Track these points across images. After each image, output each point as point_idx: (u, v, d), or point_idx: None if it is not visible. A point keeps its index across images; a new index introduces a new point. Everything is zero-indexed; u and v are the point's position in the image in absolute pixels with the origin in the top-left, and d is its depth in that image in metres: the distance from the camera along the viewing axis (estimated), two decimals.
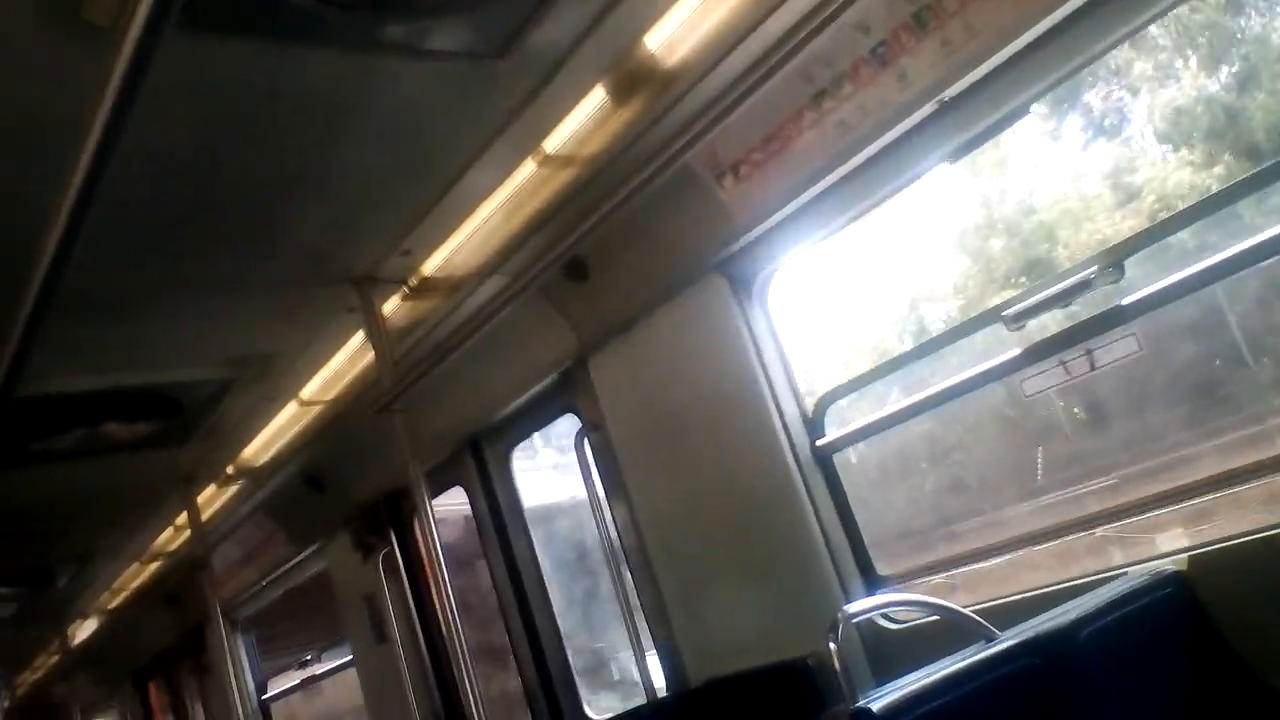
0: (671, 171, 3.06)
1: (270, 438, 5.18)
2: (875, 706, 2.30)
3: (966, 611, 2.62)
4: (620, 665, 5.19)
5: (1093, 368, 2.88)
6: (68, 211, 2.15)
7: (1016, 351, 3.04)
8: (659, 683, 4.29)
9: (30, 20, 2.15)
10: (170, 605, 8.18)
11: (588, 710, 4.92)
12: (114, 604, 8.13)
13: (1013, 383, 3.14)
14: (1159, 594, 2.65)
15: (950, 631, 2.81)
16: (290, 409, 4.86)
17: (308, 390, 4.69)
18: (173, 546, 6.79)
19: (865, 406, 3.70)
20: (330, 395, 4.77)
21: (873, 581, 3.51)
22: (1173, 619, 2.65)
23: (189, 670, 8.82)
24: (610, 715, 4.68)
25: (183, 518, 5.93)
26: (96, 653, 9.54)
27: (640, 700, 4.35)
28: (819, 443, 3.59)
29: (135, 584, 7.64)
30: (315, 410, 4.91)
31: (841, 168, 3.21)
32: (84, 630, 8.76)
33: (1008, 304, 3.05)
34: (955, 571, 3.39)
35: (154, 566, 7.19)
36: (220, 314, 3.94)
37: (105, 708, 11.04)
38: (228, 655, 5.55)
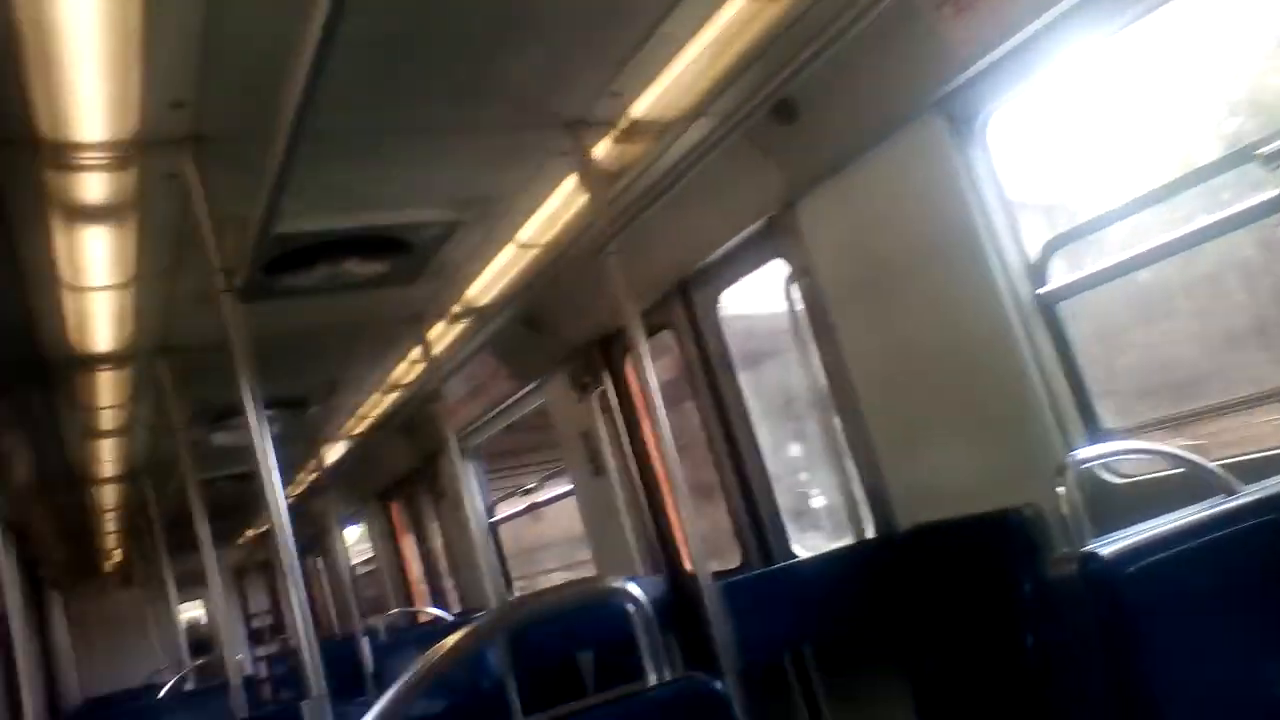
0: (887, 5, 2.88)
1: (491, 279, 5.43)
2: (1105, 551, 2.25)
3: (1206, 462, 2.49)
4: (829, 507, 5.27)
5: None
6: (311, 53, 2.26)
7: (1276, 193, 2.75)
8: (867, 528, 4.34)
9: None
10: (408, 434, 8.95)
11: (794, 547, 5.06)
12: (359, 430, 8.97)
13: (1265, 229, 2.85)
14: None
15: (1181, 487, 2.68)
16: (509, 251, 5.07)
17: (525, 233, 4.86)
18: (408, 379, 7.36)
19: (1096, 254, 3.46)
20: (546, 239, 4.92)
21: (1096, 434, 3.36)
22: None
23: (425, 493, 9.69)
24: (816, 553, 4.80)
25: (416, 352, 6.40)
26: (346, 473, 10.62)
27: (847, 541, 4.43)
28: (1042, 290, 3.41)
29: (377, 412, 8.38)
30: (532, 253, 5.09)
31: None
32: (334, 452, 9.73)
33: (1263, 141, 2.74)
34: (1188, 428, 3.18)
35: (393, 397, 7.84)
36: (445, 158, 4.09)
37: (356, 520, 12.35)
38: (460, 480, 6.02)
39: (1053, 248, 3.40)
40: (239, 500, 9.67)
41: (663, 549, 6.08)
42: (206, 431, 6.85)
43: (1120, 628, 2.29)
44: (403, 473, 9.95)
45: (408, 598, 10.85)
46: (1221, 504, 2.48)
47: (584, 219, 4.52)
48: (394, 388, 7.57)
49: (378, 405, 8.13)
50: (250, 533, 14.33)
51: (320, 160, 3.40)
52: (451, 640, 1.48)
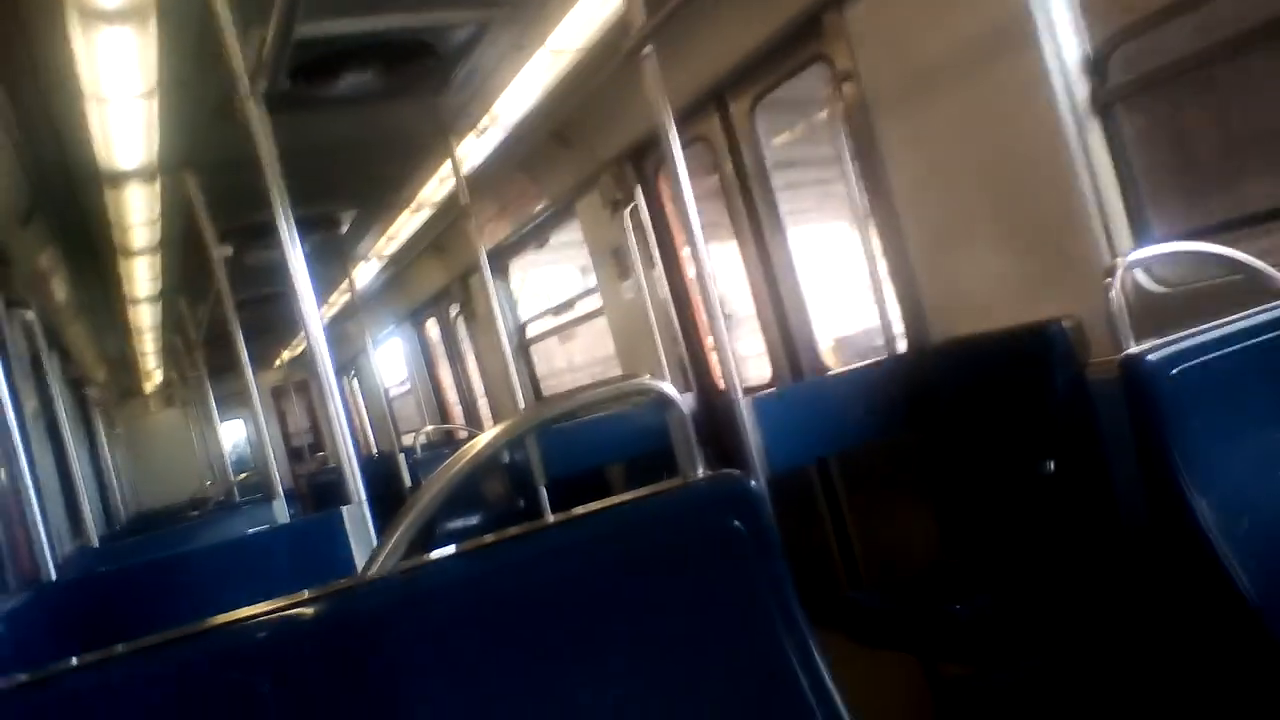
0: None
1: (522, 89, 5.25)
2: (1148, 355, 2.21)
3: (1263, 266, 2.41)
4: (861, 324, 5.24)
5: None
6: None
7: None
8: (900, 343, 4.32)
9: None
10: (439, 253, 8.95)
11: (825, 361, 5.07)
12: (390, 250, 8.95)
13: None
14: None
15: (1238, 294, 2.61)
16: (540, 58, 4.87)
17: (557, 38, 4.66)
18: (438, 198, 7.27)
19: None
20: (579, 43, 4.72)
21: (1148, 242, 3.26)
22: None
23: (458, 313, 9.76)
24: (849, 367, 4.81)
25: (446, 168, 6.28)
26: (379, 294, 10.69)
27: (880, 357, 4.42)
28: (1100, 90, 3.24)
29: (407, 231, 8.33)
30: (565, 59, 4.89)
31: None
32: (366, 273, 9.76)
33: None
34: (1248, 231, 3.06)
35: (422, 215, 7.77)
36: None
37: (391, 340, 12.52)
38: (493, 299, 6.01)
39: (1114, 43, 3.21)
40: (275, 320, 9.80)
41: (693, 368, 6.12)
42: (240, 249, 6.85)
43: (1159, 432, 2.27)
44: (436, 292, 9.99)
45: (443, 418, 11.11)
46: (1275, 308, 2.42)
47: (617, 19, 4.31)
48: (424, 205, 7.49)
49: (408, 224, 8.08)
50: (286, 354, 14.61)
51: None
52: (483, 439, 1.46)
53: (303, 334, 3.04)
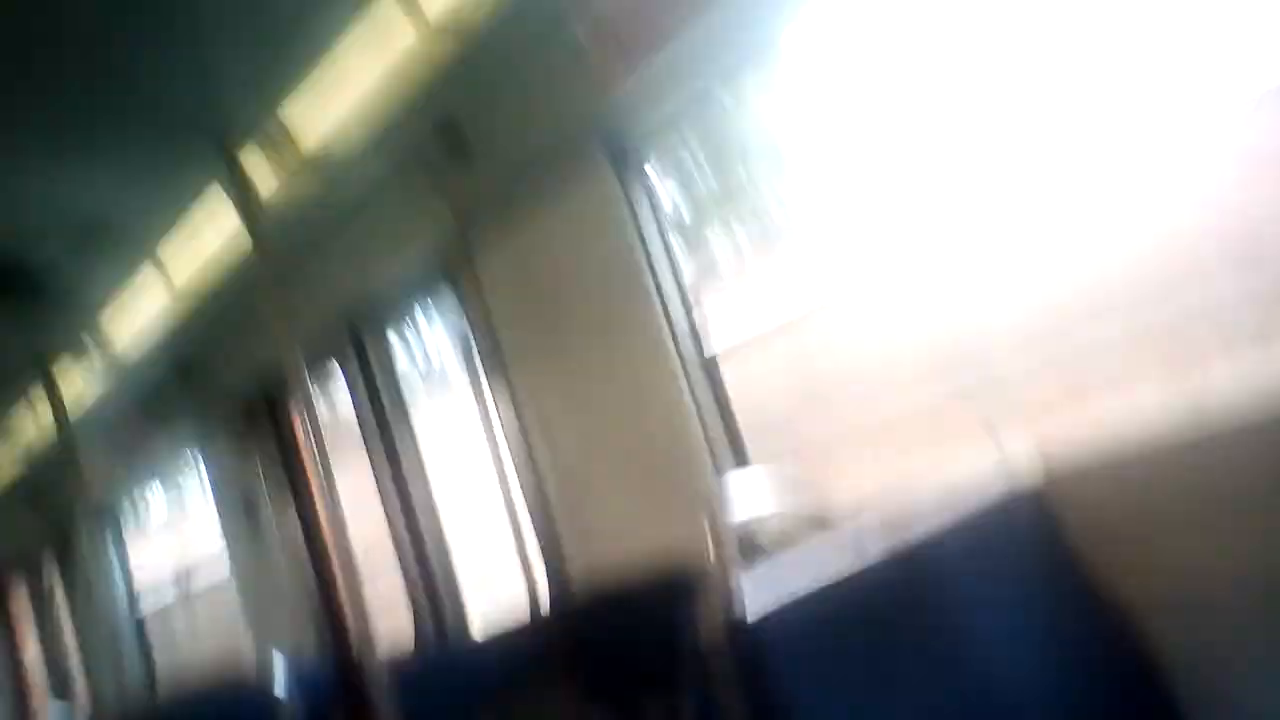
0: (554, 42, 2.86)
1: (133, 313, 4.84)
2: (751, 617, 2.27)
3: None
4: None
5: None
6: None
7: None
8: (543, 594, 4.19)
9: None
10: (30, 500, 7.73)
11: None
12: None
13: None
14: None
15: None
16: (153, 281, 4.54)
17: (172, 262, 4.39)
18: (30, 434, 6.41)
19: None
20: (197, 269, 4.46)
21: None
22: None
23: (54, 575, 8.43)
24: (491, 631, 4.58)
25: (40, 399, 5.57)
26: None
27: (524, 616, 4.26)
28: (705, 349, 3.48)
29: None
30: (181, 286, 4.60)
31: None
32: None
33: None
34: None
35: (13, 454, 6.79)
36: (77, 167, 3.62)
37: None
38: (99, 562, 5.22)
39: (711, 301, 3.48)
40: None
41: (330, 626, 5.60)
42: None
43: (764, 693, 2.29)
44: (23, 549, 8.58)
45: (22, 697, 9.33)
46: (851, 560, 2.56)
47: (241, 249, 4.13)
48: (13, 443, 6.55)
49: None
50: None
51: None
52: None
53: None
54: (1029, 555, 2.62)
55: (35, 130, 3.34)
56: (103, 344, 5.08)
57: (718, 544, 2.56)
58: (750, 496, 3.18)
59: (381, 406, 4.90)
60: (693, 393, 3.42)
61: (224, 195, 3.80)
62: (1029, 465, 2.65)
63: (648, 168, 3.48)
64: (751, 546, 3.26)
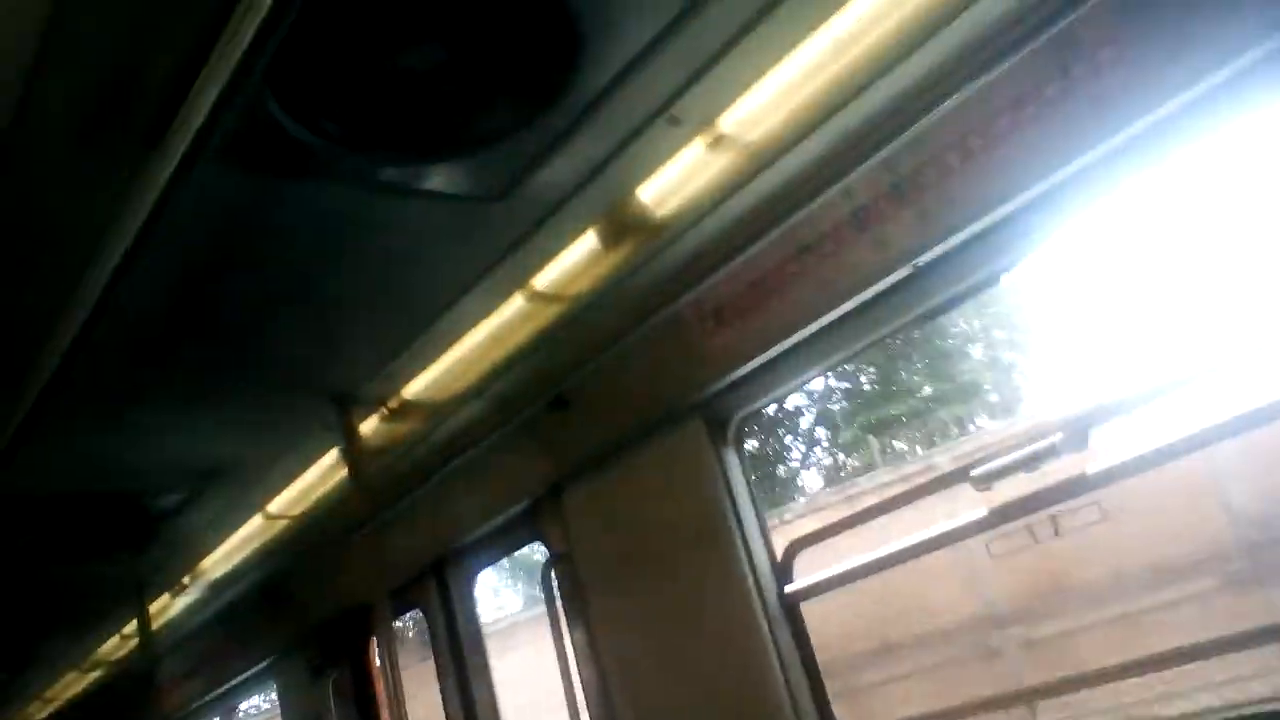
0: (657, 316, 3.15)
1: (231, 549, 5.08)
2: None
3: None
4: None
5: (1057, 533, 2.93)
6: (82, 316, 2.20)
7: (984, 511, 3.11)
8: None
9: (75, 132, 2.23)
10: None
11: None
12: (43, 715, 7.75)
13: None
14: None
15: None
16: (255, 521, 4.80)
17: (275, 504, 4.65)
18: (117, 655, 6.55)
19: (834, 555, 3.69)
20: (297, 510, 4.71)
21: None
22: None
23: None
24: None
25: (131, 626, 5.75)
26: None
27: None
28: (787, 590, 3.58)
29: (70, 694, 7.31)
30: (281, 523, 4.84)
31: (819, 320, 3.30)
32: None
33: (976, 463, 3.12)
34: None
35: (94, 675, 6.91)
36: (202, 422, 3.94)
37: None
38: None
39: (796, 548, 3.62)
40: None
41: None
42: None
43: None
44: None
45: None
46: None
47: (341, 493, 4.39)
48: (98, 665, 6.68)
49: (74, 685, 7.11)
50: None
51: (66, 418, 3.21)
52: None
53: None
54: None
55: (165, 383, 3.64)
56: (198, 573, 5.30)
57: None
58: None
59: (459, 645, 5.00)
60: (774, 637, 3.50)
61: (333, 446, 4.08)
62: None
63: (740, 429, 3.71)
64: None
